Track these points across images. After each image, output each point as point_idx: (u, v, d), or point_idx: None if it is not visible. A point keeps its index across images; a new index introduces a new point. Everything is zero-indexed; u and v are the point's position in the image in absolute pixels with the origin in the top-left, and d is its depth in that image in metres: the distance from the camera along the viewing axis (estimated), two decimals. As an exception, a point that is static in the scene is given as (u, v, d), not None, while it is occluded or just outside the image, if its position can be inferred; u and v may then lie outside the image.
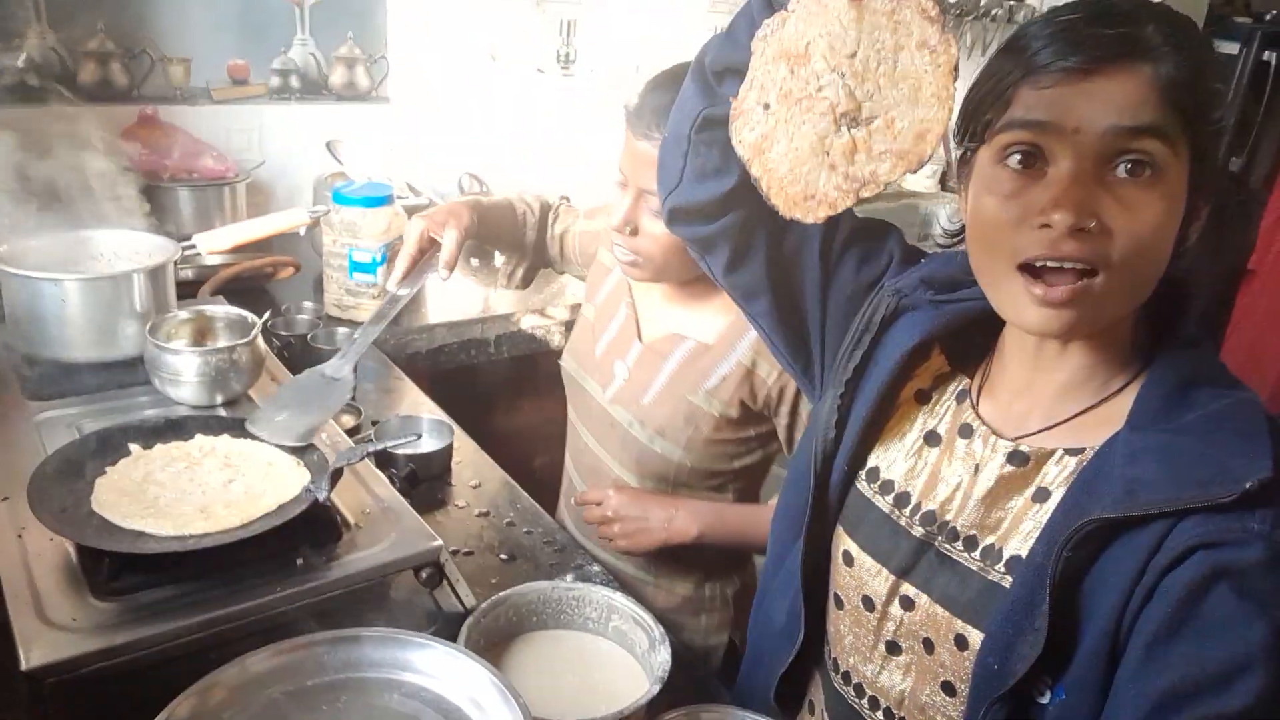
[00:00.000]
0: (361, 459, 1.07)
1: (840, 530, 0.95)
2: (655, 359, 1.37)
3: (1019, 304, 0.76)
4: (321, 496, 1.00)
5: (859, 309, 0.98)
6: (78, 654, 0.82)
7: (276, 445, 1.10)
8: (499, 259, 1.67)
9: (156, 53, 2.18)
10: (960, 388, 0.92)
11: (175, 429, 1.12)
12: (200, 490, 1.01)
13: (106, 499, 0.98)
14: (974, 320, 0.90)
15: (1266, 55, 3.57)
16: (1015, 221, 0.75)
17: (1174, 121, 0.72)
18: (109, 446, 1.07)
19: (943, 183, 3.59)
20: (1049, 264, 0.73)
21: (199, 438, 1.11)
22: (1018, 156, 0.76)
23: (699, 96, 0.92)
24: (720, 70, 0.90)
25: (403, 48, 2.45)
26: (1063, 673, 0.75)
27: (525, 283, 1.67)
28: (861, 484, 0.94)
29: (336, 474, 1.03)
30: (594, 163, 2.64)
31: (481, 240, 1.54)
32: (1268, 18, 3.71)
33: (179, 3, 2.18)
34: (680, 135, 0.94)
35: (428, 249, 1.41)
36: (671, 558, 1.42)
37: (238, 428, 1.13)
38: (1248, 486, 0.68)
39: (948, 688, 0.84)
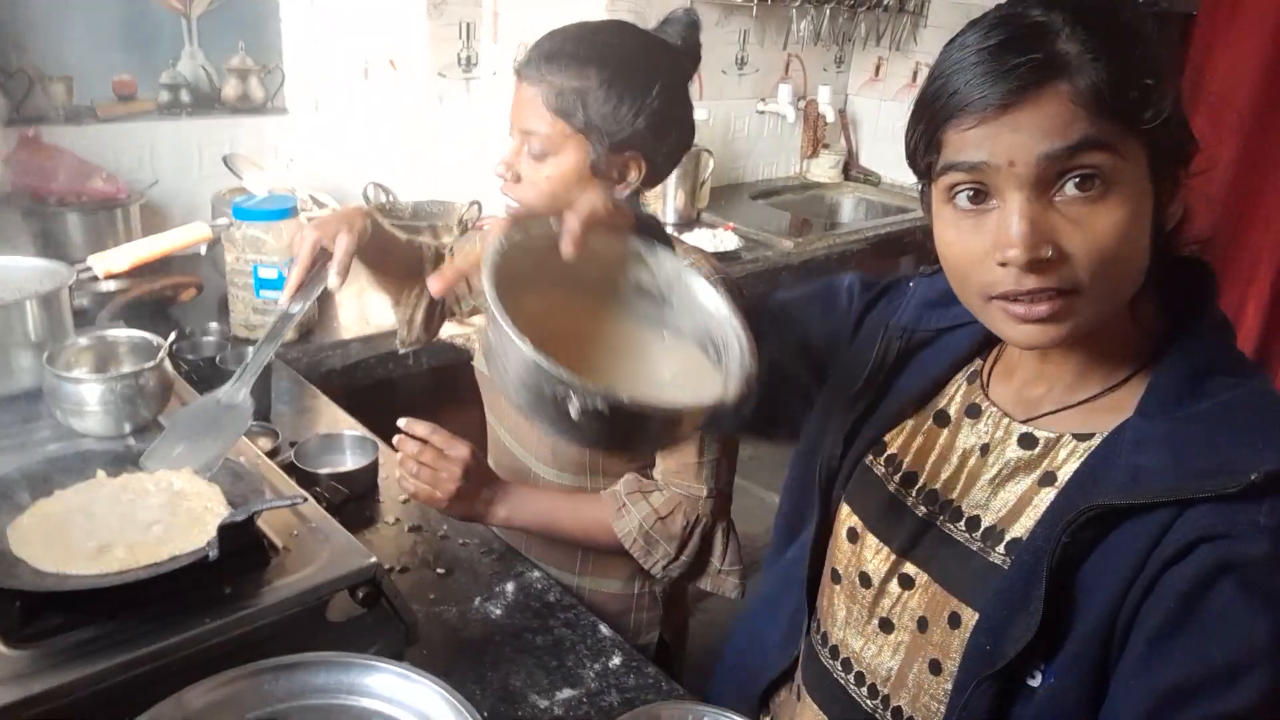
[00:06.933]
0: (254, 514, 0.97)
1: (845, 507, 0.94)
2: None
3: (1003, 326, 0.76)
4: (214, 555, 0.90)
5: (840, 342, 0.99)
6: (-6, 707, 0.77)
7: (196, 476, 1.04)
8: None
9: (35, 72, 2.07)
10: (972, 369, 0.92)
11: (85, 464, 1.05)
12: (119, 528, 0.96)
13: (20, 539, 0.92)
14: (982, 336, 0.90)
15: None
16: (977, 257, 0.75)
17: (1110, 127, 0.70)
18: (19, 488, 1.00)
19: (845, 172, 3.65)
20: (1020, 297, 0.73)
21: (124, 475, 1.05)
22: (965, 195, 0.75)
23: None
24: None
25: (298, 57, 2.37)
26: (1054, 656, 0.74)
27: (428, 328, 1.55)
28: (870, 460, 0.94)
29: (225, 530, 0.92)
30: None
31: (375, 260, 1.42)
32: None
33: (56, 18, 2.07)
34: None
35: (321, 260, 1.29)
36: (599, 556, 1.41)
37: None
38: (1253, 478, 0.67)
39: (935, 666, 0.84)
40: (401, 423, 1.32)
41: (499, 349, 0.74)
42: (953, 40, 0.77)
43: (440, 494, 1.29)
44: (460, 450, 1.29)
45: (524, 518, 1.34)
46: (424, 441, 1.30)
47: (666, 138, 1.27)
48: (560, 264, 0.81)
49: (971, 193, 0.75)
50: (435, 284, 0.81)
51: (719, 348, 0.84)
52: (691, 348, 0.86)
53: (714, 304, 0.86)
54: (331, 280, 1.23)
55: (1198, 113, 0.77)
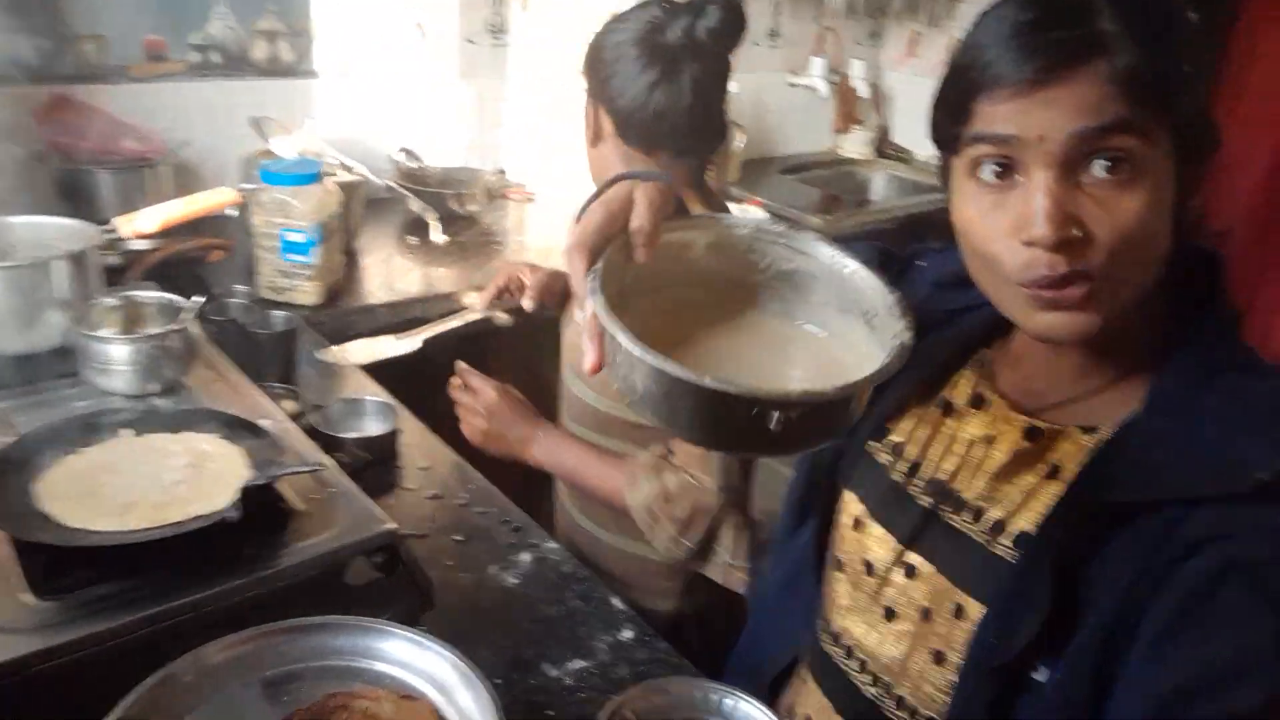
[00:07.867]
0: (274, 478, 1.01)
1: (849, 495, 0.94)
2: None
3: (1027, 311, 0.74)
4: (234, 517, 0.93)
5: None
6: (18, 656, 0.79)
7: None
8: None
9: (66, 30, 2.08)
10: (979, 357, 0.91)
11: (111, 422, 1.07)
12: (143, 486, 0.97)
13: (48, 495, 0.95)
14: (992, 321, 0.88)
15: None
16: (1001, 235, 0.73)
17: (1143, 111, 0.69)
18: (47, 445, 1.02)
19: (879, 150, 3.61)
20: (1052, 283, 0.71)
21: (149, 435, 1.07)
22: (990, 169, 0.74)
23: None
24: None
25: (327, 20, 2.37)
26: (1060, 651, 0.74)
27: None
28: (873, 446, 0.93)
29: (246, 493, 0.95)
30: (526, 131, 2.60)
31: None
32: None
33: (88, -24, 2.08)
34: None
35: (516, 287, 1.57)
36: (627, 517, 1.42)
37: (185, 421, 1.09)
38: (1264, 478, 0.66)
39: (938, 656, 0.84)
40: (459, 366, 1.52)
41: (659, 391, 0.69)
42: (989, 10, 0.75)
43: (467, 429, 1.47)
44: (487, 391, 1.45)
45: (554, 463, 1.44)
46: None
47: (620, 97, 1.36)
48: (641, 270, 0.79)
49: (998, 167, 0.73)
50: (588, 362, 0.76)
51: (842, 290, 0.83)
52: (812, 305, 0.84)
53: (808, 246, 0.84)
54: (525, 303, 1.53)
55: (1242, 103, 0.76)
